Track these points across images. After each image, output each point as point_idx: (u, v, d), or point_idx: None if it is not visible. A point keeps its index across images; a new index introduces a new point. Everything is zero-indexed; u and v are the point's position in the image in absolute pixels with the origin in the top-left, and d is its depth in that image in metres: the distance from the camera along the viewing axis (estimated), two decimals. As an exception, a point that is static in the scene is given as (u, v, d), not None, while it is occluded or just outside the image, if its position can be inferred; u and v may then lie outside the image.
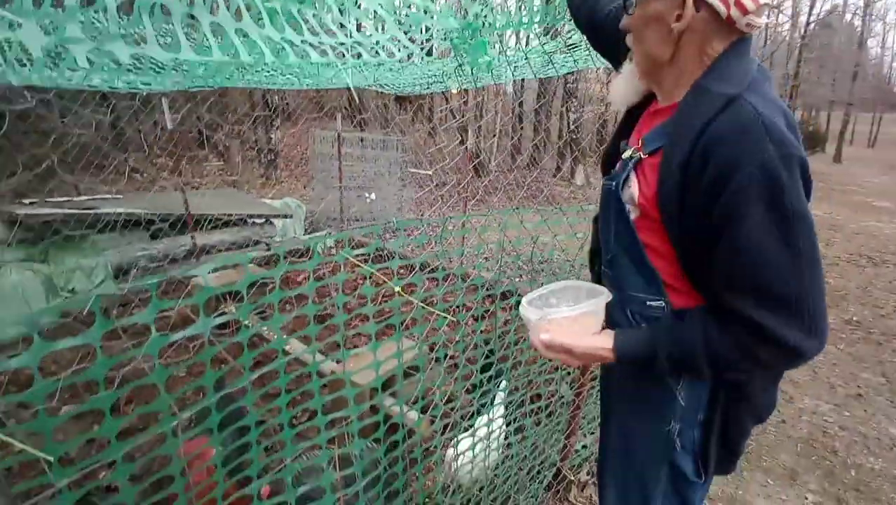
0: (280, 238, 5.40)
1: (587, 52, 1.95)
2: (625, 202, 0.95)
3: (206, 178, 8.97)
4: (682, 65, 0.86)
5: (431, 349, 2.33)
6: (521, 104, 13.44)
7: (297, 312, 1.02)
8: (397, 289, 1.20)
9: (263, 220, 5.27)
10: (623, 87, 1.03)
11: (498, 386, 1.66)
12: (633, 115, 1.05)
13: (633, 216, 0.94)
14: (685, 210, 0.81)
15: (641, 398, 1.02)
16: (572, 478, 2.06)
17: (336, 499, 1.09)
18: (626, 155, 0.97)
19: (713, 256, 0.79)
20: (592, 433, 2.24)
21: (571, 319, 0.93)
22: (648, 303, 0.95)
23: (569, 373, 1.95)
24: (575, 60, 1.90)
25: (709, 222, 0.78)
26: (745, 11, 0.79)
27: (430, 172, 5.99)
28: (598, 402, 1.39)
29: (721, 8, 0.79)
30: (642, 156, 0.92)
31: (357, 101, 9.95)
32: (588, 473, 2.16)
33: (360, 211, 6.38)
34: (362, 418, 1.34)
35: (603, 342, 0.92)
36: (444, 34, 1.36)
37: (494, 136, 11.42)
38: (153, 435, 0.87)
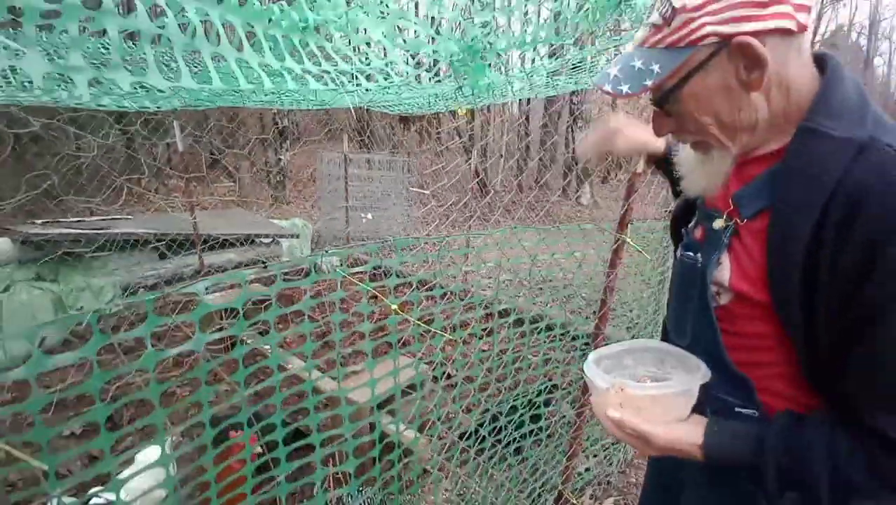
0: (287, 258, 5.46)
1: (591, 74, 1.99)
2: (710, 284, 0.74)
3: (215, 198, 9.13)
4: (772, 108, 0.67)
5: (431, 366, 2.33)
6: (527, 120, 13.57)
7: (294, 329, 1.04)
8: (394, 306, 1.21)
9: (270, 239, 5.33)
10: (704, 172, 0.76)
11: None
12: None
13: (721, 301, 0.74)
14: (816, 292, 0.61)
15: None
16: (574, 501, 2.03)
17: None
18: (717, 225, 0.75)
19: (848, 355, 0.61)
20: (595, 456, 2.21)
21: (654, 398, 0.72)
22: (737, 410, 0.75)
23: (569, 393, 1.94)
24: (576, 82, 1.95)
25: (846, 311, 0.59)
26: (806, 9, 0.62)
27: (427, 192, 6.08)
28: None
29: (789, 22, 0.61)
30: (739, 222, 0.72)
31: (358, 121, 10.13)
32: (591, 497, 2.12)
33: (366, 230, 6.46)
34: (360, 436, 1.35)
35: (690, 435, 0.71)
36: (445, 56, 1.40)
37: (500, 156, 11.52)
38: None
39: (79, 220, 5.07)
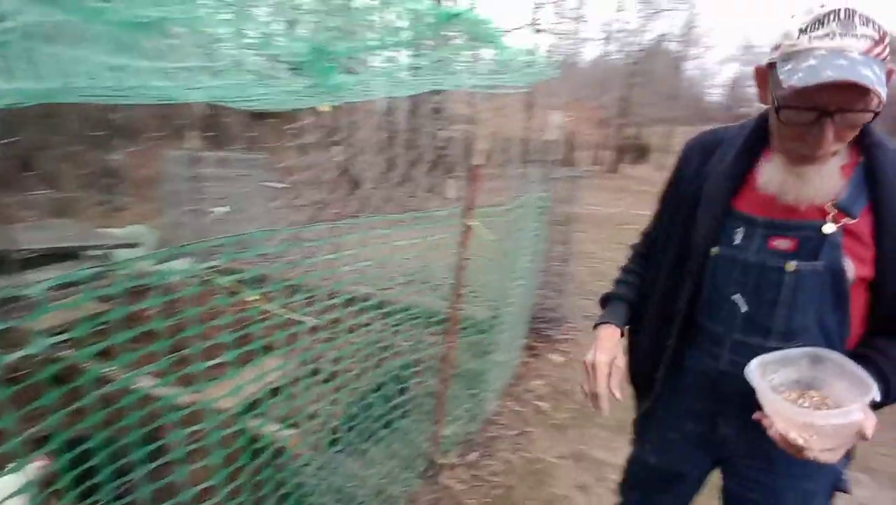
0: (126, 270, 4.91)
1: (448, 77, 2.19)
2: (849, 280, 0.89)
3: (30, 209, 7.70)
4: None
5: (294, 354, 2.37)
6: (390, 122, 13.73)
7: (142, 328, 1.04)
8: (255, 296, 1.27)
9: (102, 252, 4.72)
10: (812, 183, 0.88)
11: None
12: (721, 190, 0.99)
13: None
14: None
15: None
16: (443, 461, 2.24)
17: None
18: (829, 230, 0.88)
19: None
20: (460, 419, 2.45)
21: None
22: None
23: (429, 366, 2.14)
24: (436, 83, 2.14)
25: None
26: None
27: (279, 186, 5.94)
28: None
29: None
30: (850, 221, 0.88)
31: (210, 117, 9.39)
32: (458, 456, 2.36)
33: (223, 234, 6.04)
34: (227, 444, 1.33)
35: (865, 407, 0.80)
36: (294, 56, 1.47)
37: (364, 153, 11.54)
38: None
39: None
